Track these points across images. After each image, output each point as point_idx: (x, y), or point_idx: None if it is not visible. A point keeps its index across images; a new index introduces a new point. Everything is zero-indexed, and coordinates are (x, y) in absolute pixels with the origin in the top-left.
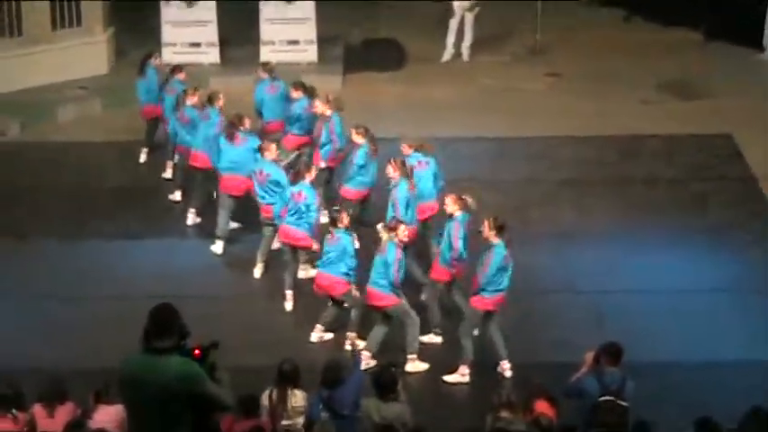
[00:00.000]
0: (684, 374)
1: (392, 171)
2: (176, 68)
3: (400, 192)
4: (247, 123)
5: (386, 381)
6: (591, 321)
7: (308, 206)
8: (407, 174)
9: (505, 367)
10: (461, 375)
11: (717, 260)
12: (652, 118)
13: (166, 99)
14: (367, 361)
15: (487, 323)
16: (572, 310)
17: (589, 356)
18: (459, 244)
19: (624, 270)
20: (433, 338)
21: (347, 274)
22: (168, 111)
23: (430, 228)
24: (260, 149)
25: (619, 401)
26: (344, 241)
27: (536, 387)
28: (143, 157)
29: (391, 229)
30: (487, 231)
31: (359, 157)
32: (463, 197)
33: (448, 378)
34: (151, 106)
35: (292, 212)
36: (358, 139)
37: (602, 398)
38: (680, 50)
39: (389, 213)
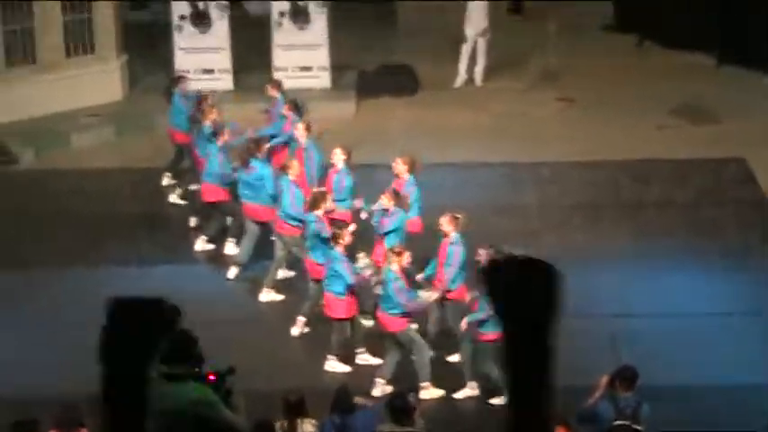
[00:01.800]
0: (700, 398)
1: (386, 201)
2: (204, 97)
3: (399, 222)
4: (264, 150)
5: (400, 407)
6: (605, 345)
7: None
8: (401, 203)
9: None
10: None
11: (731, 283)
12: (665, 142)
13: (197, 129)
14: (383, 388)
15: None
16: (586, 334)
17: (603, 381)
18: (457, 264)
19: (638, 294)
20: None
21: (341, 293)
22: (201, 140)
23: None
24: (283, 167)
25: (634, 426)
26: (335, 264)
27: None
28: (165, 181)
29: (397, 254)
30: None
31: (346, 177)
32: (457, 216)
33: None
34: (177, 131)
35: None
36: (339, 159)
37: (617, 422)
38: (693, 75)
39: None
